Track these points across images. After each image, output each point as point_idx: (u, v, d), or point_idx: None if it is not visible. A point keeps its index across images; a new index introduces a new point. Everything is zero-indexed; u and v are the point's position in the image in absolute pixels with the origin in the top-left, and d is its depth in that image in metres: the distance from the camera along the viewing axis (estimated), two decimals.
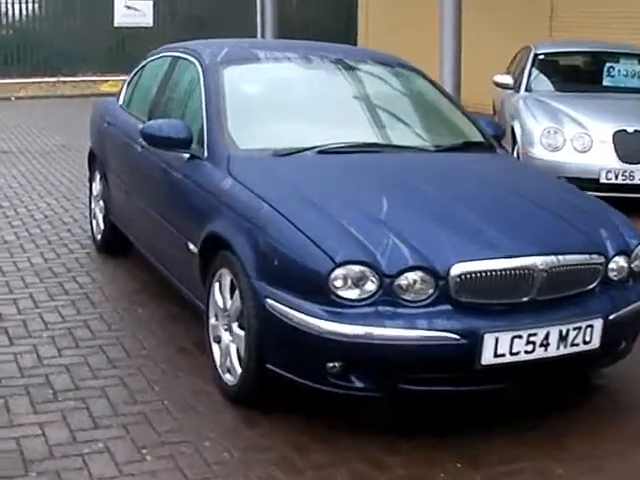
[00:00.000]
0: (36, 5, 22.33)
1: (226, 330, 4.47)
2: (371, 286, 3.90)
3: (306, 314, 3.92)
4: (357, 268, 3.90)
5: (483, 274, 3.97)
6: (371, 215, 4.24)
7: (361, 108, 5.61)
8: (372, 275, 3.89)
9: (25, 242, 7.50)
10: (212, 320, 4.63)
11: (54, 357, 5.06)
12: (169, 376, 4.83)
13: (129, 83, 7.29)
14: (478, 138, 5.59)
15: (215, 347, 4.58)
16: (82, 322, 5.62)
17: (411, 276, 3.92)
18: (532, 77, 10.61)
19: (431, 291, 3.93)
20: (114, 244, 7.01)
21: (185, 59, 6.11)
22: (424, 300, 3.93)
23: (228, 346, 4.43)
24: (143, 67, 7.10)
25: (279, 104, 5.60)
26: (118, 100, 7.28)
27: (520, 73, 10.86)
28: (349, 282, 3.89)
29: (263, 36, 18.58)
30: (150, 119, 5.97)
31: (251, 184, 4.59)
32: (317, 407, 4.39)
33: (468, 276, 3.94)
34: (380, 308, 3.90)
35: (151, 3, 21.83)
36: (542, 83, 10.71)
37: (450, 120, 5.84)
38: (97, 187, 7.43)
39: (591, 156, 8.82)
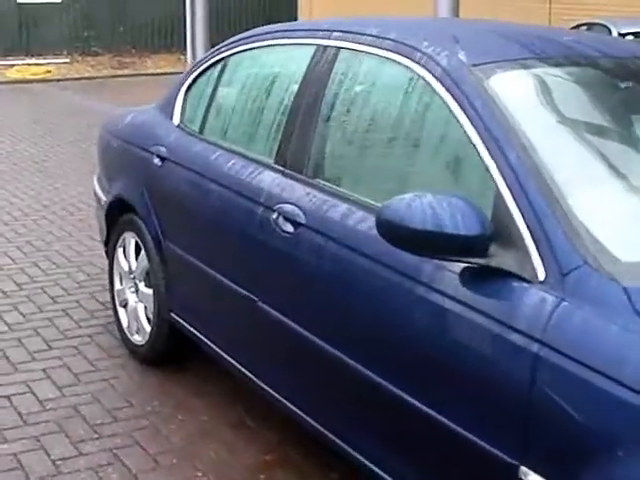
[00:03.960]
0: None
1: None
2: None
3: None
4: None
5: None
6: None
7: None
8: None
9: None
10: None
11: None
12: None
13: (189, 90, 4.36)
14: None
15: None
16: None
17: None
18: None
19: None
20: (170, 353, 4.46)
21: (366, 56, 3.32)
22: None
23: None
24: (221, 64, 4.20)
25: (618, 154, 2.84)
26: (170, 116, 4.36)
27: None
28: None
29: (193, 10, 15.76)
30: (283, 163, 3.42)
31: None
32: None
33: None
34: None
35: None
36: None
37: None
38: (132, 262, 4.52)
39: None
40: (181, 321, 4.20)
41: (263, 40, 3.95)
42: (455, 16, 10.78)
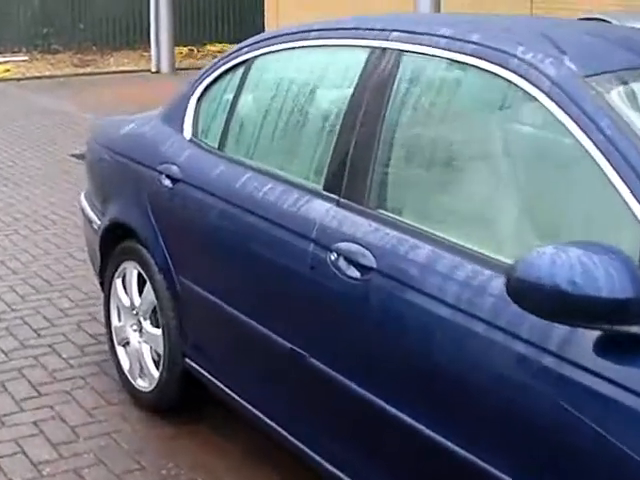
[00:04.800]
0: None
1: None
2: None
3: None
4: None
5: None
6: None
7: None
8: None
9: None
10: None
11: None
12: None
13: (202, 99, 3.77)
14: None
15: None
16: None
17: None
18: None
19: None
20: (182, 401, 3.90)
21: (440, 62, 2.77)
22: None
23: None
24: (243, 68, 3.61)
25: None
26: (179, 129, 3.77)
27: None
28: None
29: (157, 5, 15.10)
30: (336, 190, 2.87)
31: None
32: None
33: None
34: None
35: None
36: None
37: None
38: (134, 296, 3.93)
39: None
40: (197, 367, 3.61)
41: (296, 40, 3.37)
42: (436, 9, 10.25)
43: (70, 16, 17.51)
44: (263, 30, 17.24)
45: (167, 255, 3.64)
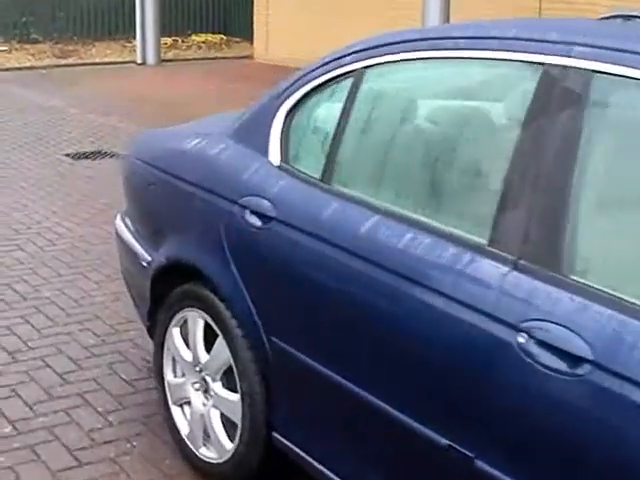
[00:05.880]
0: None
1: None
2: None
3: None
4: None
5: None
6: None
7: None
8: None
9: None
10: None
11: None
12: None
13: (292, 115, 3.09)
14: None
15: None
16: None
17: None
18: None
19: None
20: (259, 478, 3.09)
21: None
22: None
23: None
24: (351, 80, 2.91)
25: None
26: (262, 151, 3.11)
27: None
28: None
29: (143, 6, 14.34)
30: (511, 249, 2.24)
31: None
32: None
33: None
34: None
35: None
36: None
37: None
38: (199, 351, 3.28)
39: None
40: (291, 446, 2.95)
41: (426, 49, 2.70)
42: (446, 16, 9.65)
43: (50, 4, 16.67)
44: (251, 22, 16.52)
45: (252, 308, 2.97)
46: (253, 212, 2.97)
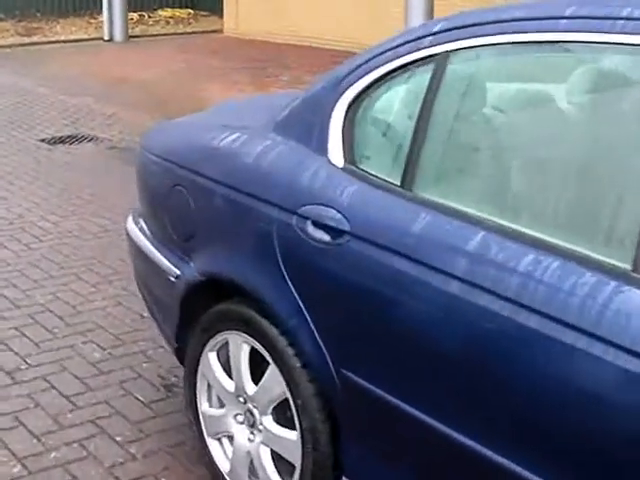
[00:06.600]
0: None
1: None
2: None
3: None
4: None
5: None
6: None
7: None
8: None
9: None
10: None
11: None
12: None
13: (356, 107, 2.62)
14: None
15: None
16: None
17: None
18: None
19: None
20: None
21: None
22: None
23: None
24: (432, 67, 2.44)
25: None
26: (319, 149, 2.65)
27: None
28: None
29: None
30: None
31: None
32: None
33: None
34: None
35: None
36: None
37: None
38: (244, 381, 2.85)
39: None
40: None
41: (531, 31, 2.25)
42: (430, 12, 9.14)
43: None
44: None
45: (317, 336, 2.53)
46: (317, 224, 2.52)
